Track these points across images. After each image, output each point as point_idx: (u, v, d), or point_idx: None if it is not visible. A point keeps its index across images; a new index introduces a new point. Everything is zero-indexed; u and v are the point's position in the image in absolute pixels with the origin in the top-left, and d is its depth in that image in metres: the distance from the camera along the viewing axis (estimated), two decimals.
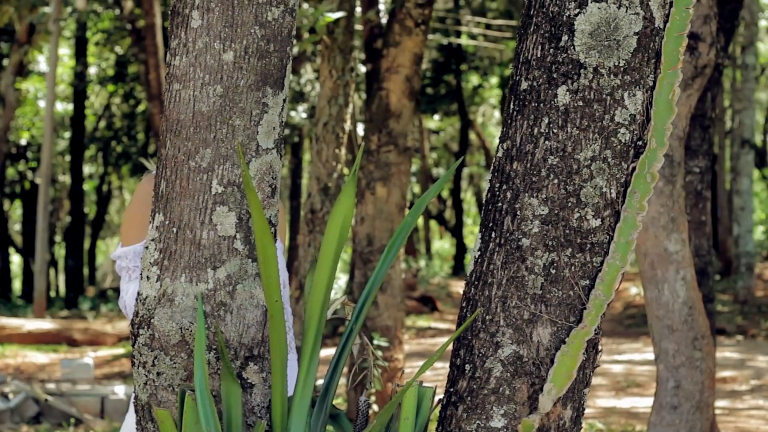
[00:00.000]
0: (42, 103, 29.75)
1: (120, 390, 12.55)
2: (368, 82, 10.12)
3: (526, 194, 2.88)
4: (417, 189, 37.20)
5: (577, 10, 2.85)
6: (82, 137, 31.53)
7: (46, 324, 19.65)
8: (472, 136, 36.97)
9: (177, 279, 2.83)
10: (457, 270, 34.35)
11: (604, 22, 2.84)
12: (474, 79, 34.11)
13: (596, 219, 2.87)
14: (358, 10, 10.93)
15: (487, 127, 39.08)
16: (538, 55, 2.90)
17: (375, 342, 8.84)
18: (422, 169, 36.12)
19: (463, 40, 30.79)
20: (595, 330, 2.89)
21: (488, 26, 29.83)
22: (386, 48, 9.26)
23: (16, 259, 41.48)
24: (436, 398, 2.97)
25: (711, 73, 6.51)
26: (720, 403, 12.27)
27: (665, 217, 6.19)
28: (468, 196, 45.96)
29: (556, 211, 2.86)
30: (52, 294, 35.27)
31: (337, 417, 3.06)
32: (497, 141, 2.98)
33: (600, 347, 2.97)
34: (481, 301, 2.93)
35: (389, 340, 9.15)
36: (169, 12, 2.93)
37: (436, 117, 36.28)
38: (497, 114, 37.97)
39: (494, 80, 33.84)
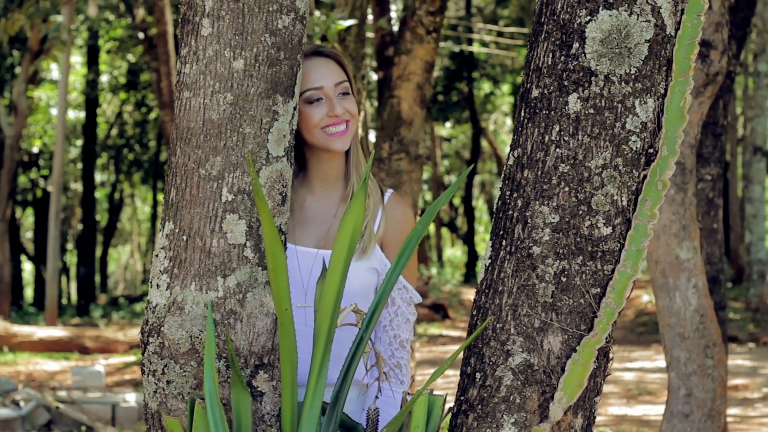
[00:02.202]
0: (54, 111, 29.83)
1: (131, 398, 12.55)
2: (380, 90, 10.11)
3: (537, 202, 2.87)
4: (428, 196, 37.20)
5: (588, 18, 2.84)
6: (94, 145, 31.59)
7: (57, 332, 19.66)
8: (484, 143, 36.96)
9: (187, 287, 2.83)
10: (469, 278, 34.32)
11: (615, 29, 2.83)
12: (486, 87, 34.10)
13: (607, 227, 2.86)
14: (370, 17, 10.94)
15: (499, 134, 39.08)
16: (549, 63, 2.90)
17: None
18: (434, 176, 36.13)
19: (475, 48, 30.79)
20: (606, 338, 2.88)
21: (500, 34, 29.83)
22: (398, 56, 9.25)
23: (27, 267, 41.56)
24: (447, 406, 2.97)
25: (723, 80, 6.48)
26: (731, 411, 12.24)
27: (677, 224, 6.17)
28: (480, 204, 45.95)
29: (567, 219, 2.85)
30: (64, 302, 35.33)
31: (352, 427, 3.06)
32: (509, 149, 2.96)
33: (611, 355, 2.96)
34: (491, 310, 2.93)
35: None
36: (180, 20, 2.93)
37: (448, 124, 36.28)
38: (509, 122, 37.97)
39: (506, 88, 33.84)
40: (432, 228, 39.00)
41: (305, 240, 3.41)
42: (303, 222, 3.41)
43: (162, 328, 2.83)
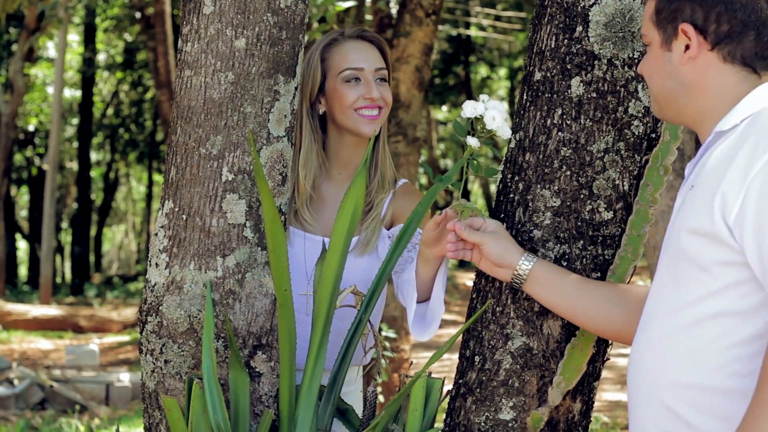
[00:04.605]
0: (50, 90, 29.74)
1: (125, 377, 12.56)
2: None
3: (539, 186, 2.86)
4: (424, 180, 37.19)
5: (592, 1, 2.83)
6: (90, 124, 31.52)
7: (51, 310, 19.66)
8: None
9: (186, 266, 2.82)
10: (463, 261, 34.30)
11: (618, 13, 2.82)
12: (482, 71, 34.07)
13: (608, 211, 2.85)
14: None
15: None
16: (552, 46, 2.88)
17: (383, 333, 8.82)
18: (429, 159, 36.11)
19: (473, 32, 30.74)
20: None
21: (497, 18, 29.78)
22: (396, 38, 9.22)
23: (22, 245, 41.52)
24: (445, 389, 2.96)
25: None
26: None
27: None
28: (475, 188, 45.93)
29: (568, 203, 2.84)
30: (58, 280, 35.31)
31: (344, 410, 3.05)
32: (511, 132, 2.93)
33: (610, 341, 2.96)
34: (491, 293, 2.92)
35: (396, 330, 9.13)
36: None
37: (444, 108, 36.25)
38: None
39: (503, 72, 33.81)
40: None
41: (316, 227, 3.36)
42: (316, 208, 3.36)
43: (160, 308, 2.82)
